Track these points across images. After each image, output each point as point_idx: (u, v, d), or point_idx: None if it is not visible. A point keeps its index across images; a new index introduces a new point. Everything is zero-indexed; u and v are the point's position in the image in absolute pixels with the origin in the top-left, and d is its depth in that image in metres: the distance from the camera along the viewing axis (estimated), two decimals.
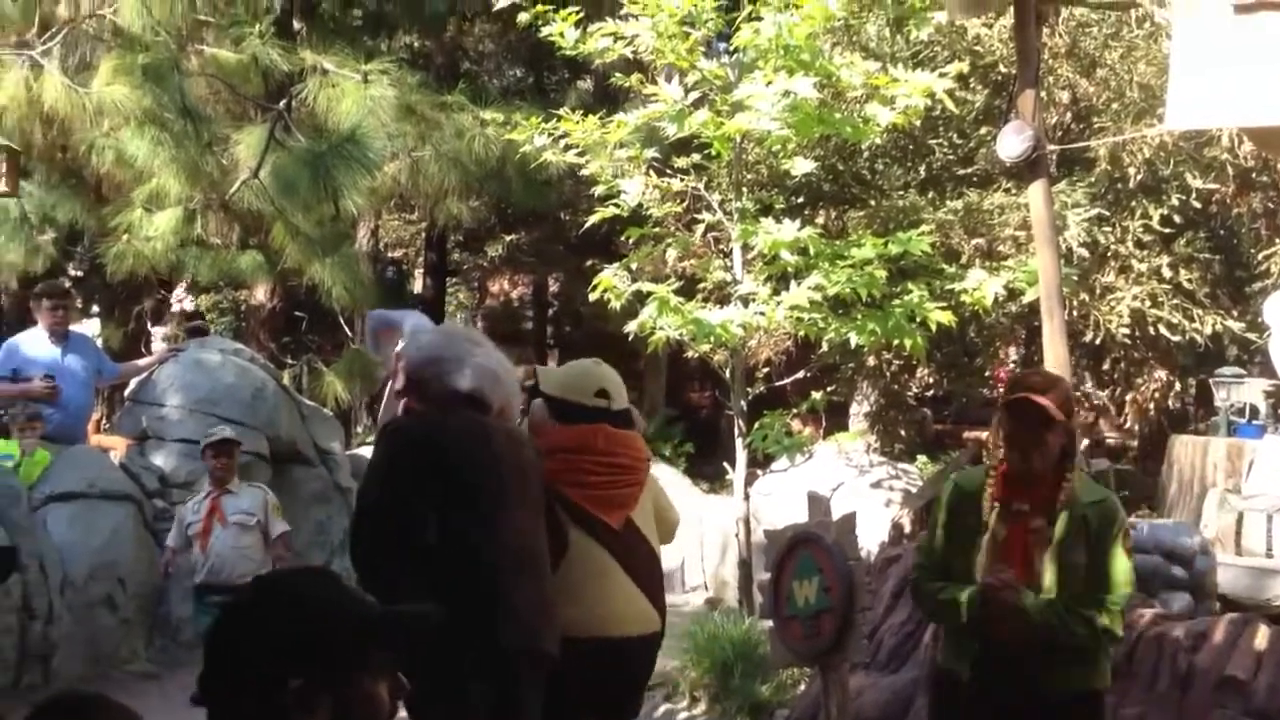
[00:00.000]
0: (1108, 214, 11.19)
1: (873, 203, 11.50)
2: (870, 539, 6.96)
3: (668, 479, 10.88)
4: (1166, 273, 11.26)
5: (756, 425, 8.79)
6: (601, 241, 13.23)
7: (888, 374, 12.29)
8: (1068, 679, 3.69)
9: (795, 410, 9.21)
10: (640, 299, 8.66)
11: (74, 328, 8.88)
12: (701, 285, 9.67)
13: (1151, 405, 12.25)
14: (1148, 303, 11.08)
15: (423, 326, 5.18)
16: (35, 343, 8.31)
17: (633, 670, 4.31)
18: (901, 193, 11.56)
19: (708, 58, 8.67)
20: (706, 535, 10.64)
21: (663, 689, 7.12)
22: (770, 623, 5.00)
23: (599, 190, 8.91)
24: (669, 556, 10.24)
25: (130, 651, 7.71)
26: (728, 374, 8.83)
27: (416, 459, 3.73)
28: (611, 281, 8.79)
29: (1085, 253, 10.78)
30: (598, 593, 4.14)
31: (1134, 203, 11.34)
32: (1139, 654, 5.08)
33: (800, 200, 11.71)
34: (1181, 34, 5.81)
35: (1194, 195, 11.13)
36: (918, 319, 8.34)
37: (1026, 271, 8.57)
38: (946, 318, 8.35)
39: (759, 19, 8.08)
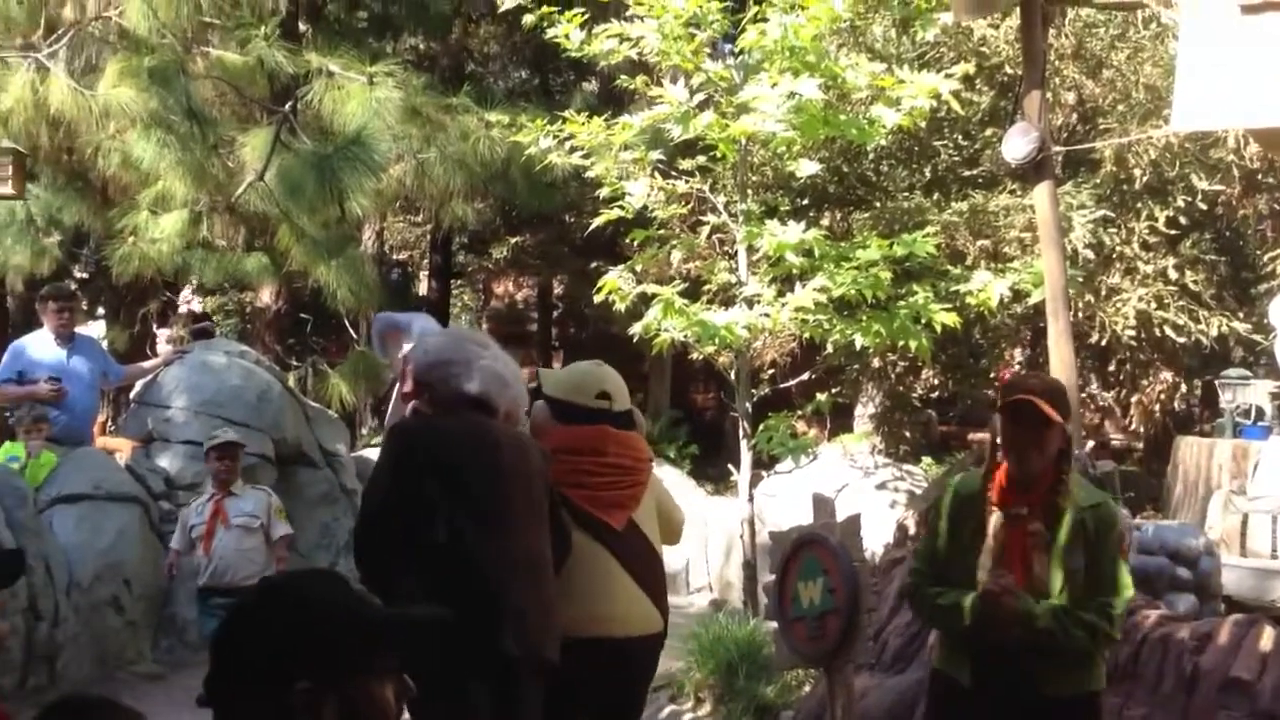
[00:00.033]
0: (1113, 215, 11.19)
1: (878, 204, 11.51)
2: (875, 541, 6.95)
3: (672, 480, 10.88)
4: (1172, 274, 11.26)
5: (761, 427, 8.79)
6: (606, 243, 13.24)
7: (893, 375, 12.29)
8: (1065, 682, 3.70)
9: (800, 412, 9.21)
10: (645, 301, 8.66)
11: (80, 330, 8.89)
12: (706, 287, 9.68)
13: (1157, 407, 12.25)
14: (1153, 304, 11.08)
15: (430, 329, 5.20)
16: (41, 345, 8.32)
17: (634, 671, 4.31)
18: (907, 194, 11.57)
19: (713, 59, 8.67)
20: (711, 536, 10.64)
21: (667, 690, 7.12)
22: (775, 624, 4.99)
23: (604, 192, 8.92)
24: (674, 558, 10.28)
25: (136, 653, 7.72)
26: (733, 376, 8.83)
27: (422, 460, 3.73)
28: (616, 283, 8.80)
29: (1091, 254, 10.78)
30: (599, 593, 4.14)
31: (1140, 204, 11.34)
32: (1144, 655, 5.07)
33: (805, 202, 11.72)
34: (1188, 35, 5.81)
35: (1200, 197, 11.13)
36: (923, 320, 8.34)
37: (1032, 273, 8.57)
38: (952, 319, 8.34)
39: (764, 20, 8.08)
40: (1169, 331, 11.16)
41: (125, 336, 13.11)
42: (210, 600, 6.64)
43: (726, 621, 7.38)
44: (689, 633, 7.23)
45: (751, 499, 8.76)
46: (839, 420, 13.39)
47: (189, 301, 12.58)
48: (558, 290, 21.89)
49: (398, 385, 4.43)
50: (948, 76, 8.27)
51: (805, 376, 9.57)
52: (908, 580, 4.01)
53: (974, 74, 10.45)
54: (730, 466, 9.70)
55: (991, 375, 12.71)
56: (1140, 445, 14.30)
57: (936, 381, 12.50)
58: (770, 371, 11.45)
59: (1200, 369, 12.64)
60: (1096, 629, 3.62)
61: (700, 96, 8.44)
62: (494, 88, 14.62)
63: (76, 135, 9.22)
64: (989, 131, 11.46)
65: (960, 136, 11.92)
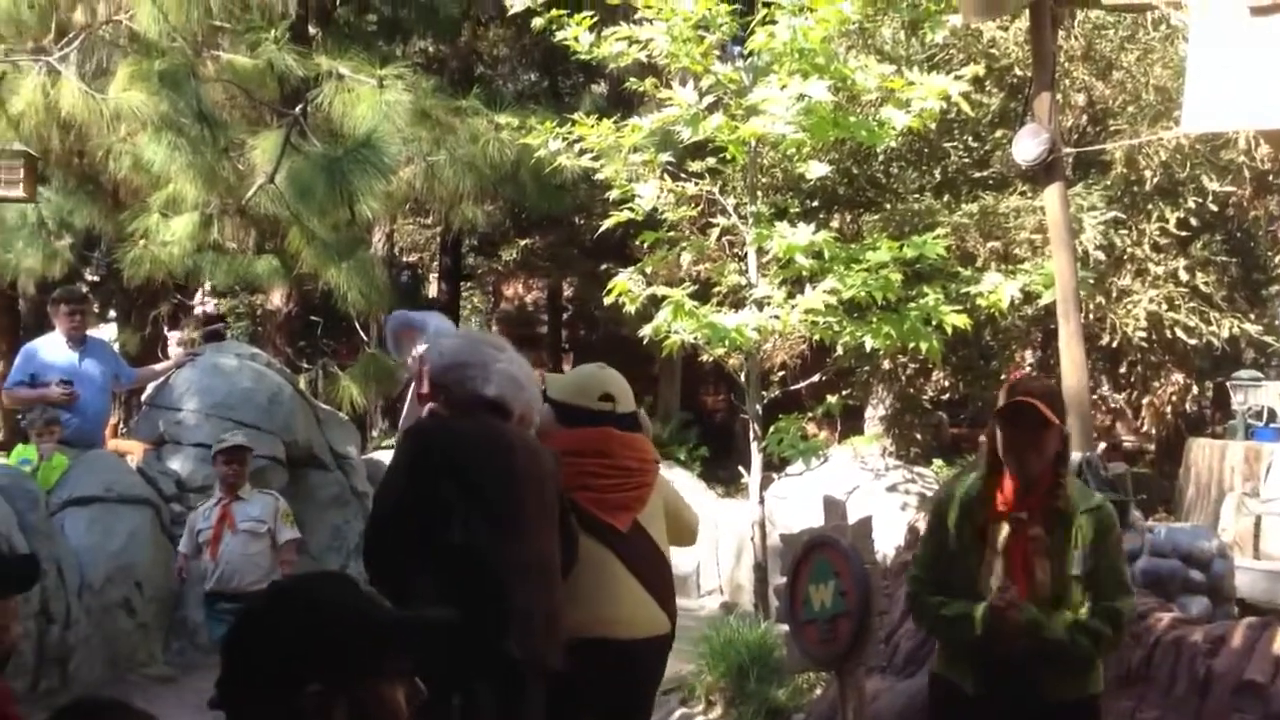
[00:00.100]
0: (1124, 217, 11.17)
1: (888, 206, 11.49)
2: (886, 543, 6.94)
3: (683, 482, 10.89)
4: (1183, 276, 11.23)
5: (772, 429, 8.78)
6: (616, 245, 13.24)
7: (903, 377, 12.27)
8: (1067, 687, 3.71)
9: (810, 414, 9.19)
10: (655, 303, 8.65)
11: (91, 332, 8.91)
12: (716, 289, 9.67)
13: (1168, 408, 12.22)
14: (1164, 306, 11.05)
15: (444, 329, 5.18)
16: (53, 348, 8.34)
17: (640, 673, 4.30)
18: (917, 196, 11.55)
19: (722, 62, 8.66)
20: (722, 539, 10.65)
21: (678, 693, 7.12)
22: (786, 627, 4.99)
23: (614, 194, 8.91)
24: (685, 560, 10.30)
25: (147, 655, 7.74)
26: (743, 378, 8.82)
27: (439, 461, 3.74)
28: (626, 285, 8.79)
29: (1101, 256, 10.75)
30: (604, 595, 4.14)
31: (1150, 206, 11.31)
32: (1157, 658, 5.06)
33: (815, 204, 11.71)
34: (1198, 37, 5.79)
35: (1210, 198, 11.10)
36: (933, 322, 8.33)
37: (1043, 274, 8.55)
38: (962, 321, 8.33)
39: (773, 23, 8.07)
40: (1180, 333, 11.14)
41: (136, 339, 13.16)
42: (217, 605, 6.65)
43: (737, 624, 7.38)
44: (700, 635, 7.23)
45: (762, 501, 8.75)
46: (849, 422, 13.39)
47: (204, 304, 12.62)
48: (567, 292, 21.91)
49: (413, 386, 4.42)
50: (957, 78, 8.25)
51: (815, 378, 9.56)
52: (907, 587, 4.01)
53: (984, 76, 10.43)
54: (741, 469, 9.68)
55: (1002, 377, 12.69)
56: (1152, 447, 14.28)
57: (947, 383, 12.47)
58: (780, 374, 11.44)
59: (1211, 371, 12.61)
60: (1101, 635, 3.64)
61: (709, 99, 8.43)
62: (503, 90, 14.64)
63: (87, 138, 9.25)
64: (999, 133, 11.45)
65: (970, 138, 11.90)
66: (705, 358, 9.74)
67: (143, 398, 9.66)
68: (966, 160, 11.92)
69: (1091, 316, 10.82)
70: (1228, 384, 11.54)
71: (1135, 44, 11.51)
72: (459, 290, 20.60)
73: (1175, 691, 4.96)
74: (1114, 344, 11.28)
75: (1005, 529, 3.71)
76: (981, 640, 3.64)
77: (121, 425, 11.50)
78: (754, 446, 8.69)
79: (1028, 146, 6.75)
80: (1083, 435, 6.63)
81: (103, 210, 10.39)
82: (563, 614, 3.90)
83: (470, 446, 3.80)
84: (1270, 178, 11.37)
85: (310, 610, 1.85)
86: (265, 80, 9.65)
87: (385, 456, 9.05)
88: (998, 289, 8.54)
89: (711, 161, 8.98)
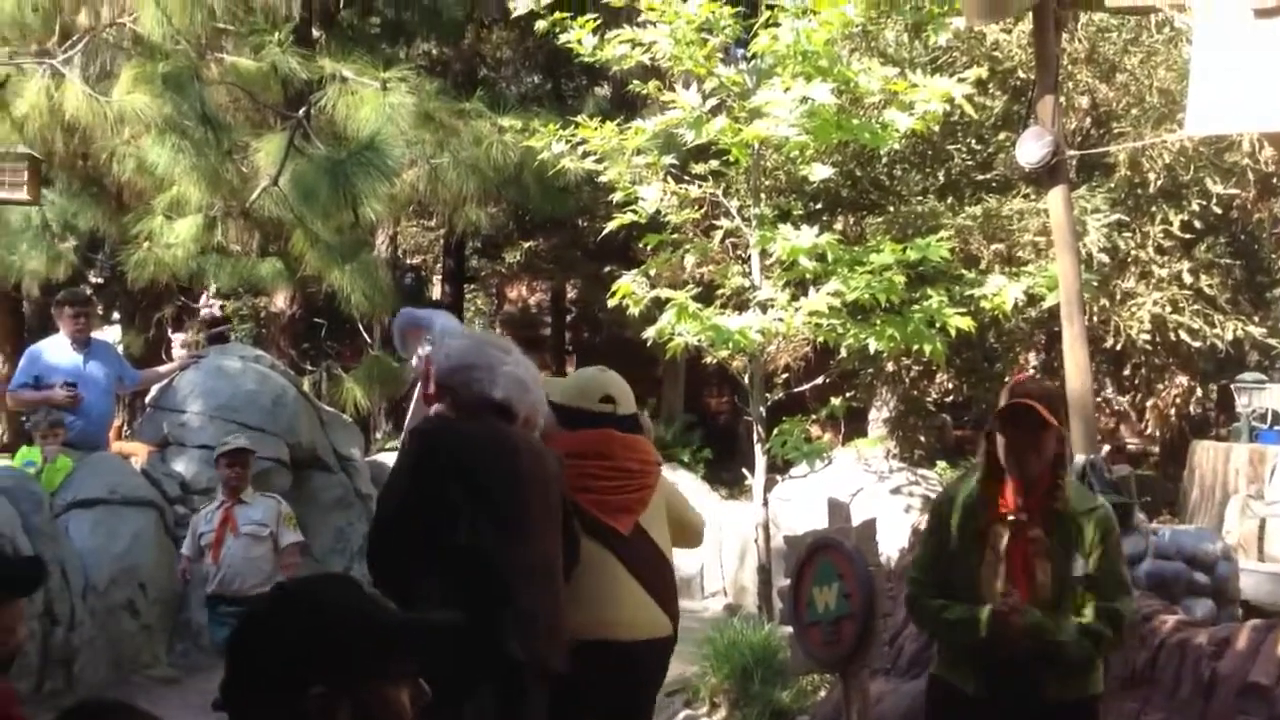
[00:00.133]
0: (1128, 219, 11.16)
1: (891, 208, 11.49)
2: (890, 545, 6.93)
3: (686, 485, 10.89)
4: (1187, 278, 11.22)
5: (775, 431, 8.78)
6: (620, 248, 13.24)
7: (907, 380, 12.27)
8: (1068, 688, 3.72)
9: (814, 416, 9.18)
10: (659, 305, 8.66)
11: (95, 335, 8.91)
12: (720, 291, 9.67)
13: (1172, 411, 12.20)
14: (1168, 308, 11.04)
15: (451, 327, 5.17)
16: (57, 350, 8.34)
17: (641, 675, 4.31)
18: (920, 198, 11.55)
19: (725, 64, 8.67)
20: (725, 541, 10.64)
21: (682, 695, 7.12)
22: (790, 629, 4.99)
23: (617, 197, 8.92)
24: (688, 562, 10.29)
25: (152, 657, 7.74)
26: (746, 380, 8.82)
27: (445, 463, 3.74)
28: (630, 288, 8.79)
29: (1105, 258, 10.75)
30: (604, 598, 4.14)
31: (1154, 208, 11.30)
32: (1161, 661, 5.06)
33: (819, 206, 11.71)
34: (1201, 39, 5.79)
35: (1214, 201, 11.09)
36: (937, 325, 8.33)
37: (1046, 277, 8.55)
38: (966, 323, 8.33)
39: (776, 25, 8.08)
40: (1184, 335, 11.12)
41: (140, 341, 13.17)
42: (219, 608, 6.63)
43: (741, 626, 7.38)
44: (704, 637, 7.23)
45: (766, 503, 8.75)
46: (853, 425, 13.37)
47: (209, 306, 12.64)
48: (571, 295, 21.91)
49: (419, 386, 4.42)
50: (960, 81, 8.26)
51: (819, 381, 9.56)
52: (907, 589, 4.01)
53: (987, 78, 10.43)
54: (744, 471, 9.68)
55: (1006, 379, 12.67)
56: (1156, 450, 14.25)
57: (951, 386, 12.46)
58: (784, 376, 11.43)
59: (1216, 373, 12.59)
60: (1103, 637, 3.67)
61: (713, 101, 8.44)
62: (507, 93, 14.64)
63: (91, 141, 9.26)
64: (1002, 136, 11.44)
65: (974, 141, 11.89)
66: (709, 360, 9.73)
67: (147, 400, 9.67)
68: (970, 163, 11.92)
69: (1095, 319, 10.81)
70: (1232, 386, 11.53)
71: (1139, 46, 11.51)
72: (462, 292, 20.60)
73: (1180, 694, 4.95)
74: (1118, 346, 11.27)
75: (1005, 531, 3.72)
76: (984, 643, 3.65)
77: (125, 427, 11.50)
78: (758, 449, 8.69)
79: (1031, 149, 6.75)
80: (1086, 438, 6.63)
81: (107, 213, 10.40)
82: (565, 616, 3.91)
83: (476, 449, 3.80)
84: (1274, 180, 11.36)
85: (314, 612, 1.84)
86: (269, 83, 9.66)
87: (389, 458, 9.06)
88: (1001, 291, 8.53)
89: (715, 164, 8.98)
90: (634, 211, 8.78)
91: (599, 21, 8.65)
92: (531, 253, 19.37)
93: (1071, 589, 3.68)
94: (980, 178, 11.77)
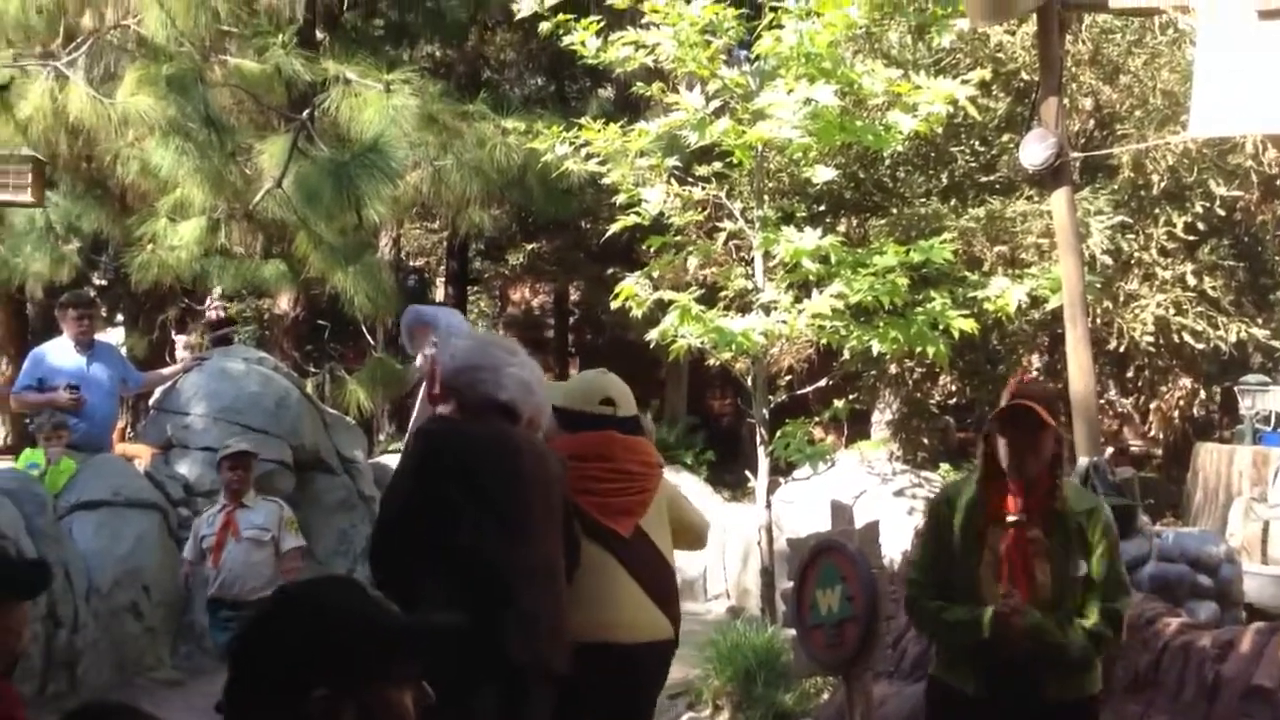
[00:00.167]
0: (1131, 221, 11.16)
1: (894, 210, 11.50)
2: (893, 548, 6.93)
3: (689, 487, 10.88)
4: (1190, 280, 11.22)
5: (778, 433, 8.78)
6: (623, 250, 13.24)
7: (910, 382, 12.27)
8: (1067, 687, 3.74)
9: (817, 418, 9.18)
10: (662, 307, 8.66)
11: (99, 337, 8.91)
12: (723, 293, 9.67)
13: (1176, 413, 12.20)
14: (1172, 310, 11.04)
15: (457, 326, 5.20)
16: (61, 352, 8.35)
17: (642, 677, 4.30)
18: (923, 200, 11.56)
19: (729, 66, 8.68)
20: (729, 543, 10.63)
21: (685, 697, 7.12)
22: (793, 631, 4.99)
23: (620, 199, 8.92)
24: (691, 564, 10.28)
25: (155, 659, 7.74)
26: (749, 382, 8.82)
27: (450, 463, 3.75)
28: (633, 290, 8.80)
29: (1109, 260, 10.75)
30: (605, 600, 4.14)
31: (1157, 210, 11.31)
32: (1165, 663, 5.05)
33: (822, 208, 11.71)
34: (1205, 41, 5.79)
35: (1218, 202, 11.09)
36: (940, 327, 8.32)
37: (1050, 279, 8.55)
38: (969, 325, 8.32)
39: (780, 27, 8.08)
40: (1188, 338, 11.12)
41: (144, 343, 13.16)
42: (220, 612, 6.60)
43: (744, 628, 7.37)
44: (706, 639, 7.23)
45: (769, 506, 8.75)
46: (856, 427, 13.37)
47: (215, 308, 12.65)
48: (574, 296, 21.91)
49: (424, 386, 4.43)
50: (964, 82, 8.26)
51: (822, 383, 9.56)
52: (906, 591, 4.02)
53: (991, 80, 10.44)
54: (747, 473, 9.69)
55: (1009, 381, 12.66)
56: (1159, 452, 14.25)
57: (954, 388, 12.47)
58: (787, 378, 11.43)
59: (1219, 375, 12.59)
60: (1103, 637, 3.68)
61: (716, 103, 8.44)
62: (510, 95, 14.64)
63: (95, 143, 9.27)
64: (1006, 137, 11.45)
65: (977, 142, 11.90)
66: (712, 362, 9.74)
67: (150, 402, 9.67)
68: (973, 164, 11.92)
69: (1099, 321, 10.81)
70: (1235, 389, 11.53)
71: (1142, 48, 11.51)
72: (466, 294, 20.61)
73: (1183, 697, 4.95)
74: (1121, 348, 11.27)
75: (1004, 532, 3.74)
76: (985, 644, 3.65)
77: (129, 429, 11.50)
78: (761, 451, 8.69)
79: (1035, 151, 6.75)
80: (1090, 440, 6.62)
81: (110, 215, 10.40)
82: (567, 617, 3.91)
83: (480, 449, 3.80)
84: (1278, 182, 11.36)
85: (316, 615, 1.84)
86: (272, 85, 9.67)
87: (392, 460, 9.06)
88: (1005, 293, 8.53)
89: (718, 166, 8.99)
90: (637, 213, 8.78)
91: (603, 23, 8.66)
92: (534, 255, 19.38)
93: (1071, 589, 3.69)
94: (984, 179, 11.78)
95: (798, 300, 8.33)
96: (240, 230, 10.19)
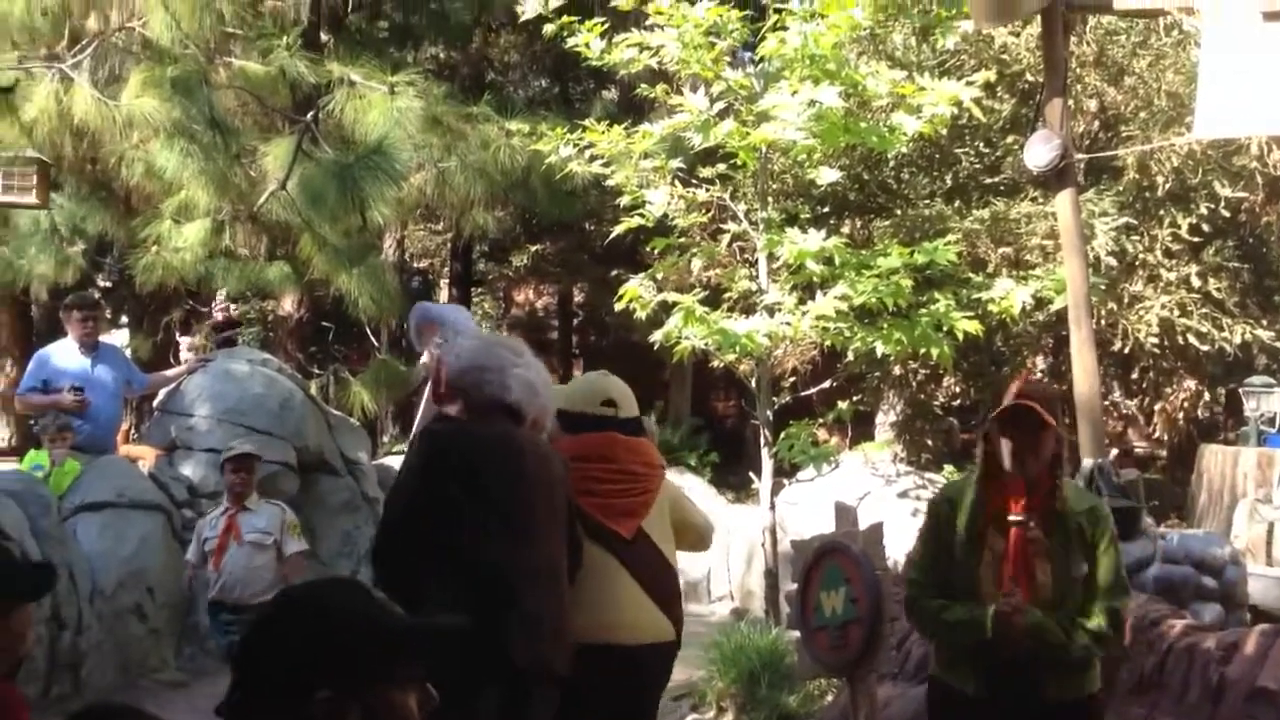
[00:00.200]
0: (1136, 223, 11.15)
1: (899, 212, 11.49)
2: (897, 549, 6.93)
3: (693, 488, 10.87)
4: (1195, 282, 11.21)
5: (782, 435, 8.77)
6: (627, 251, 13.25)
7: (914, 383, 12.26)
8: (1067, 687, 3.74)
9: (821, 420, 9.18)
10: (666, 309, 8.66)
11: (103, 339, 8.93)
12: (727, 295, 9.67)
13: (1181, 415, 12.19)
14: (1176, 312, 11.03)
15: (463, 325, 5.18)
16: (65, 354, 8.35)
17: (644, 678, 4.30)
18: (928, 202, 11.55)
19: (733, 68, 8.67)
20: (732, 545, 10.63)
21: (689, 699, 7.11)
22: (797, 633, 4.98)
23: (624, 200, 8.92)
24: (695, 566, 10.28)
25: (159, 660, 7.74)
26: (753, 384, 8.82)
27: (455, 464, 3.75)
28: (637, 291, 8.80)
29: (1113, 262, 10.74)
30: (606, 601, 4.13)
31: (1162, 211, 11.30)
32: (1170, 665, 5.05)
33: (826, 210, 11.71)
34: (1210, 42, 5.79)
35: (1223, 204, 11.08)
36: (944, 328, 8.32)
37: (1054, 280, 8.54)
38: (973, 327, 8.32)
39: (784, 29, 8.08)
40: (1192, 339, 11.11)
41: (148, 345, 13.19)
42: (220, 616, 6.59)
43: (748, 630, 7.37)
44: (711, 641, 7.22)
45: (773, 507, 8.74)
46: (860, 428, 13.36)
47: (223, 309, 12.66)
48: (578, 298, 21.92)
49: (429, 385, 4.42)
50: (969, 84, 8.26)
51: (826, 384, 9.55)
52: (905, 590, 4.02)
53: (995, 81, 10.43)
54: (751, 474, 9.68)
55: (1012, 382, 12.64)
56: (1164, 453, 14.24)
57: (958, 389, 12.46)
58: (791, 379, 11.43)
59: (1224, 377, 12.58)
60: (1103, 636, 3.69)
61: (720, 105, 8.44)
62: (514, 96, 14.64)
63: (100, 145, 9.28)
64: (1010, 139, 11.44)
65: (981, 144, 11.90)
66: (716, 364, 9.73)
67: (154, 403, 9.67)
68: (978, 166, 11.92)
69: (1103, 322, 10.80)
70: (1240, 390, 11.52)
71: (1147, 50, 11.50)
72: (470, 296, 20.63)
73: (1188, 698, 4.94)
74: (1126, 350, 11.26)
75: (1004, 532, 3.74)
76: (985, 643, 3.66)
77: (133, 431, 11.52)
78: (765, 452, 8.69)
79: (1039, 152, 6.75)
80: (1094, 441, 6.62)
81: (115, 216, 10.41)
82: (569, 618, 3.91)
83: (485, 450, 3.81)
84: None
85: (320, 616, 1.84)
86: (277, 87, 9.67)
87: (396, 462, 9.06)
88: (1009, 295, 8.53)
89: (722, 167, 8.99)
90: (641, 215, 8.79)
91: (607, 25, 8.67)
92: (539, 256, 19.40)
93: (1072, 589, 3.70)
94: (988, 181, 11.77)
95: (802, 302, 8.33)
96: (245, 232, 10.20)
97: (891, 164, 11.89)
